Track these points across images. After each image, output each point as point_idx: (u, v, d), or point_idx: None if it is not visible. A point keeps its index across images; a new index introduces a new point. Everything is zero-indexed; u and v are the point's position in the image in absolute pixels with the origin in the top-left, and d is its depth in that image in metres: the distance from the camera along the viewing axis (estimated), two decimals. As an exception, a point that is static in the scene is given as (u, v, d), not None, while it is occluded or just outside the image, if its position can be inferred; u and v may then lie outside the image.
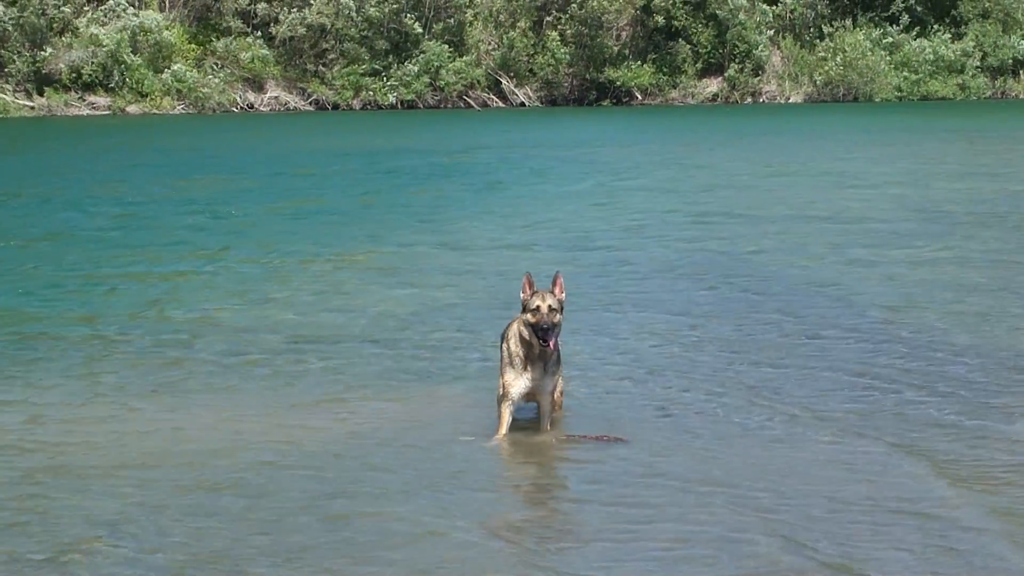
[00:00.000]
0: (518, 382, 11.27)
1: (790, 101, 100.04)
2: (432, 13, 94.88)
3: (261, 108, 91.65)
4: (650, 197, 32.42)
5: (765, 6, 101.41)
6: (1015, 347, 14.56)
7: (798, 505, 9.49)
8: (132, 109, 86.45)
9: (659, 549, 8.73)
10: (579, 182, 36.96)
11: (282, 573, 8.36)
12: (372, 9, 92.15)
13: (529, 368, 11.23)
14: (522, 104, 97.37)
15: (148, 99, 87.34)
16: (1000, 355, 14.14)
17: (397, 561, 8.53)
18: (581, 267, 20.91)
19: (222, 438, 11.43)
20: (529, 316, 11.05)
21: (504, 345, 11.39)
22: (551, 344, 11.07)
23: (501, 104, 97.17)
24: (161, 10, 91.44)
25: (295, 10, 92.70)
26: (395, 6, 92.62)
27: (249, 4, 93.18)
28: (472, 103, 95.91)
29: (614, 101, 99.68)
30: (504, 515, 9.61)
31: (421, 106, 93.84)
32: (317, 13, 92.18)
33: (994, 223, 25.63)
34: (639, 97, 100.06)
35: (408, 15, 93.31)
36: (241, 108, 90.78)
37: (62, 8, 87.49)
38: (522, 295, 11.17)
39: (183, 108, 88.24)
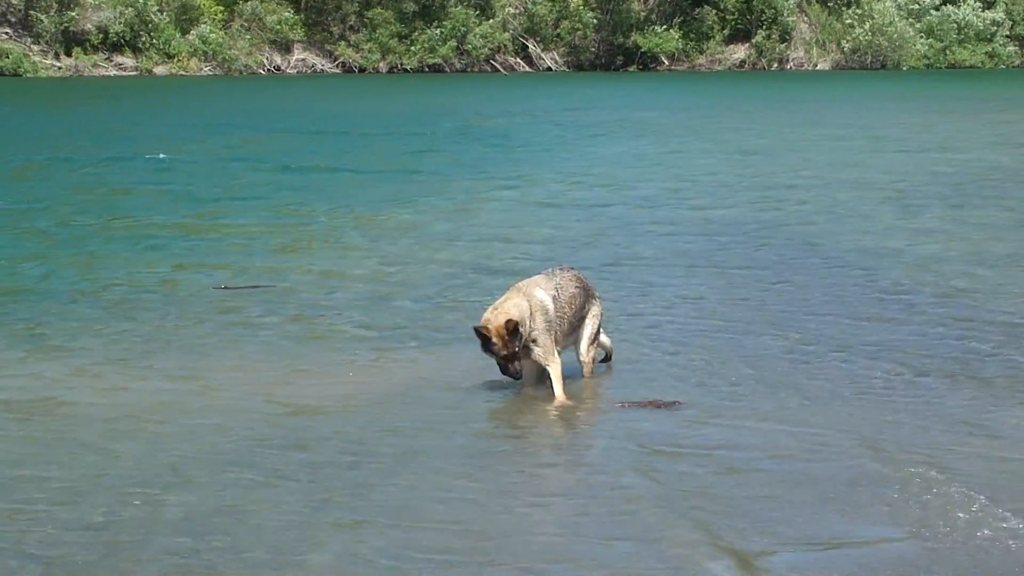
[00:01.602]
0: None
1: (817, 68, 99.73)
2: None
3: (288, 71, 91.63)
4: (683, 161, 32.38)
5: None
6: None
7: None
8: (159, 70, 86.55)
9: (707, 511, 8.76)
10: (610, 146, 36.92)
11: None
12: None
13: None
14: (548, 69, 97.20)
15: (175, 60, 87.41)
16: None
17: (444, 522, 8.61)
18: (608, 231, 20.94)
19: (243, 396, 11.49)
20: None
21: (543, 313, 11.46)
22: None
23: (528, 68, 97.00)
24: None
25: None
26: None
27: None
28: (499, 67, 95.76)
29: (640, 67, 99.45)
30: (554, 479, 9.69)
31: (448, 70, 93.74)
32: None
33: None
34: (666, 63, 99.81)
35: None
36: (268, 71, 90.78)
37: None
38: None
39: (210, 70, 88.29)
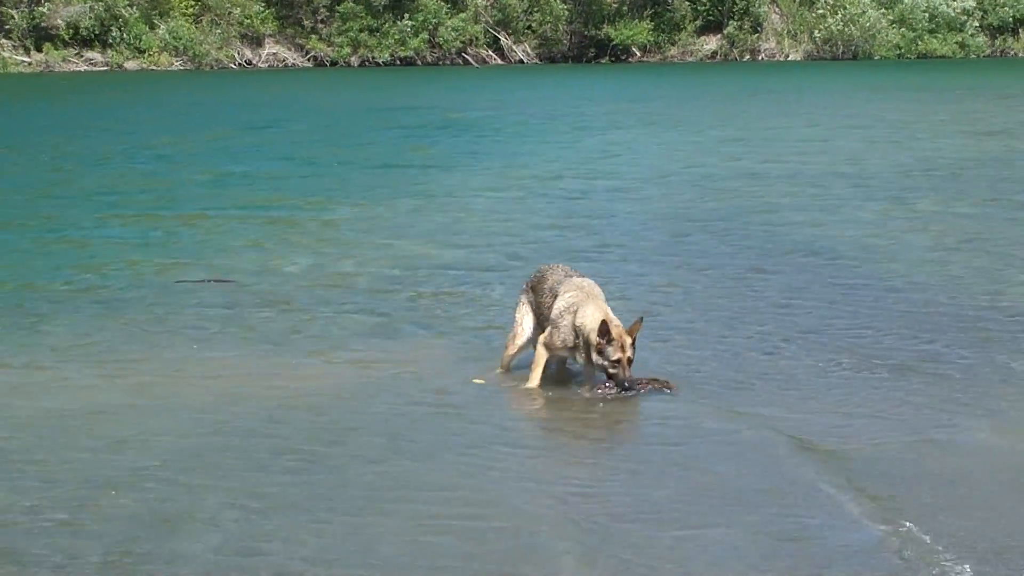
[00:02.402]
0: (562, 344, 11.51)
1: (789, 59, 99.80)
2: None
3: (259, 65, 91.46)
4: (657, 154, 32.42)
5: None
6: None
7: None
8: (130, 65, 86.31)
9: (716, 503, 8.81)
10: (579, 140, 36.92)
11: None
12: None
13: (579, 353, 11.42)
14: (520, 61, 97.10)
15: (146, 55, 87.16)
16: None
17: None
18: (576, 224, 20.97)
19: (222, 392, 11.48)
20: (608, 364, 11.07)
21: (569, 321, 11.36)
22: (635, 387, 11.15)
23: (500, 61, 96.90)
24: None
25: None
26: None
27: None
28: (471, 60, 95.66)
29: (612, 58, 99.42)
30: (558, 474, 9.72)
31: (419, 63, 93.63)
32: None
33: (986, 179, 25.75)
34: (637, 54, 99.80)
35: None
36: (239, 64, 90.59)
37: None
38: (598, 338, 11.07)
39: (181, 64, 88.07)
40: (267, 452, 9.88)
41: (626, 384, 11.03)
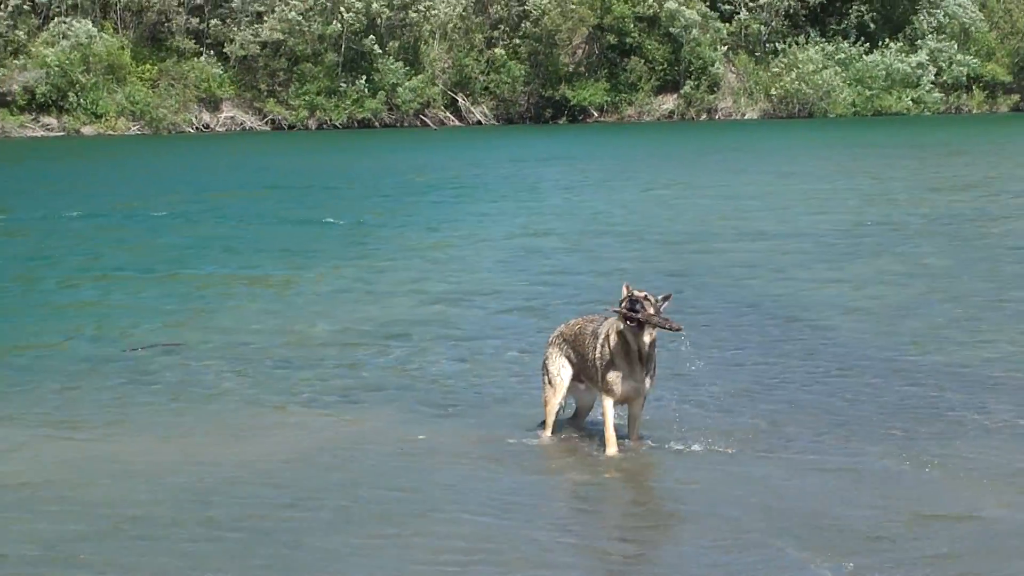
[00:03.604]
0: (623, 383, 11.38)
1: (746, 117, 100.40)
2: (387, 31, 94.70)
3: (217, 128, 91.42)
4: (598, 214, 32.48)
5: (719, 23, 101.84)
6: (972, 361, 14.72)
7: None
8: (87, 130, 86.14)
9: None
10: (535, 199, 37.00)
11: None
12: (327, 27, 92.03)
13: (633, 371, 11.35)
14: (478, 122, 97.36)
15: (103, 120, 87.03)
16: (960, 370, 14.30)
17: None
18: (531, 280, 21.02)
19: (173, 458, 11.42)
20: (631, 314, 11.15)
21: (607, 347, 11.40)
22: (641, 322, 11.14)
23: (457, 122, 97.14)
24: (114, 31, 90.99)
25: (247, 28, 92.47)
26: (351, 24, 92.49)
27: (201, 23, 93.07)
28: (428, 121, 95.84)
29: (570, 119, 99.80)
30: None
31: (377, 125, 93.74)
32: (270, 30, 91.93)
33: (942, 235, 25.90)
34: (595, 114, 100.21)
35: (364, 33, 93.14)
36: (196, 128, 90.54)
37: (16, 31, 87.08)
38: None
39: (138, 129, 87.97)
40: (223, 518, 9.82)
41: (642, 317, 11.09)
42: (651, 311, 11.06)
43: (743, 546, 9.13)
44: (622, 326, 11.18)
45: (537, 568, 8.76)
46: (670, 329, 11.11)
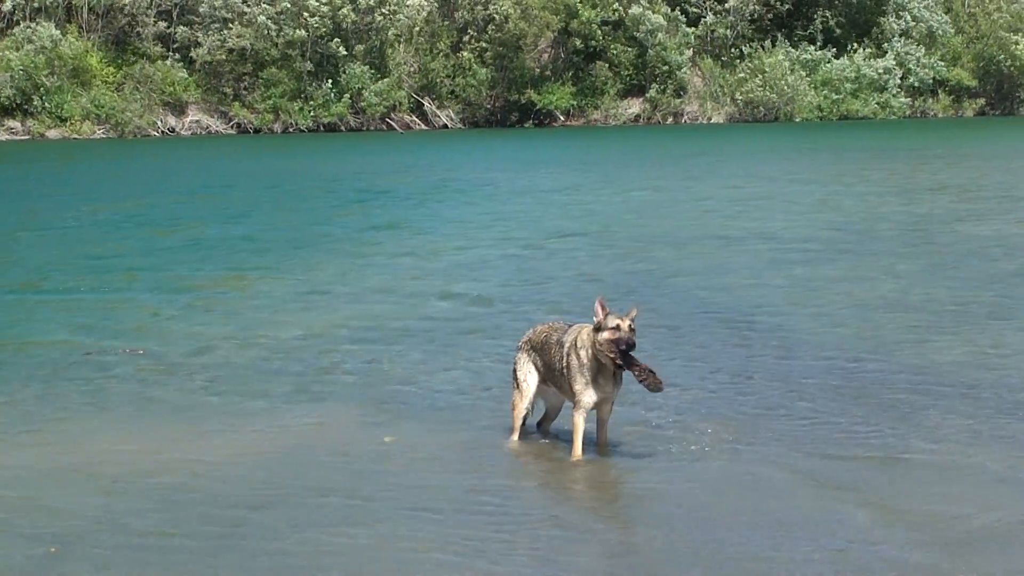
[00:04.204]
0: (590, 392, 11.30)
1: (712, 121, 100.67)
2: (352, 35, 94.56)
3: (182, 132, 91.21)
4: (562, 220, 32.44)
5: (685, 27, 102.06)
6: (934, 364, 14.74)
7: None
8: (52, 134, 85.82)
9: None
10: (496, 202, 36.96)
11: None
12: (294, 31, 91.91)
13: (601, 380, 11.25)
14: (444, 126, 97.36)
15: (68, 124, 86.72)
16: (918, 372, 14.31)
17: None
18: (499, 283, 20.98)
19: (135, 462, 11.32)
20: (607, 334, 11.05)
21: (574, 356, 11.33)
22: (631, 366, 11.08)
23: (423, 126, 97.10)
24: (80, 34, 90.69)
25: (214, 33, 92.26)
26: (317, 28, 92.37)
27: (168, 27, 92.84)
28: (394, 125, 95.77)
29: (536, 123, 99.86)
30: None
31: (343, 128, 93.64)
32: (237, 36, 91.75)
33: (908, 238, 25.97)
34: (561, 118, 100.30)
35: (330, 37, 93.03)
36: (162, 132, 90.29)
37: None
38: (595, 318, 11.15)
39: (103, 132, 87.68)
40: (182, 520, 9.76)
41: (624, 346, 11.00)
42: (629, 324, 11.03)
43: (713, 546, 9.09)
44: (602, 351, 11.09)
45: (502, 570, 8.71)
46: (651, 387, 11.06)
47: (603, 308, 11.17)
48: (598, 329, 11.11)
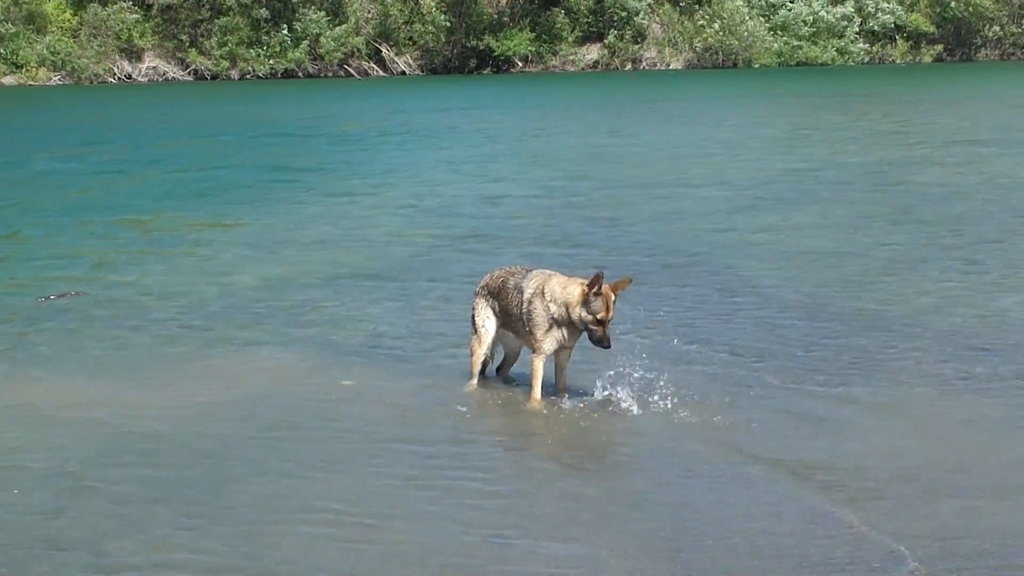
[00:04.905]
0: (550, 339, 11.35)
1: (670, 67, 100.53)
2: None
3: (139, 79, 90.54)
4: (522, 165, 32.44)
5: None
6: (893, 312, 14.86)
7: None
8: (7, 80, 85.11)
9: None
10: (454, 151, 36.93)
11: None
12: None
13: (565, 332, 11.28)
14: (403, 73, 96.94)
15: (23, 70, 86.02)
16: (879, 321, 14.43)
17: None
18: (464, 228, 20.99)
19: (90, 408, 11.32)
20: (591, 319, 11.04)
21: (539, 305, 11.32)
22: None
23: (382, 73, 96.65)
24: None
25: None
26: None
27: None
28: (352, 72, 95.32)
29: (494, 69, 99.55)
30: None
31: (301, 75, 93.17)
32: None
33: (866, 183, 26.09)
34: (519, 65, 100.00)
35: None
36: (119, 79, 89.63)
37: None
38: (590, 290, 11.05)
39: (59, 79, 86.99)
40: (141, 464, 9.77)
41: (605, 344, 11.09)
42: (613, 313, 11.08)
43: (665, 491, 9.17)
44: (583, 322, 11.11)
45: (459, 515, 8.76)
46: (597, 342, 11.14)
47: (598, 282, 11.04)
48: (585, 299, 11.08)
